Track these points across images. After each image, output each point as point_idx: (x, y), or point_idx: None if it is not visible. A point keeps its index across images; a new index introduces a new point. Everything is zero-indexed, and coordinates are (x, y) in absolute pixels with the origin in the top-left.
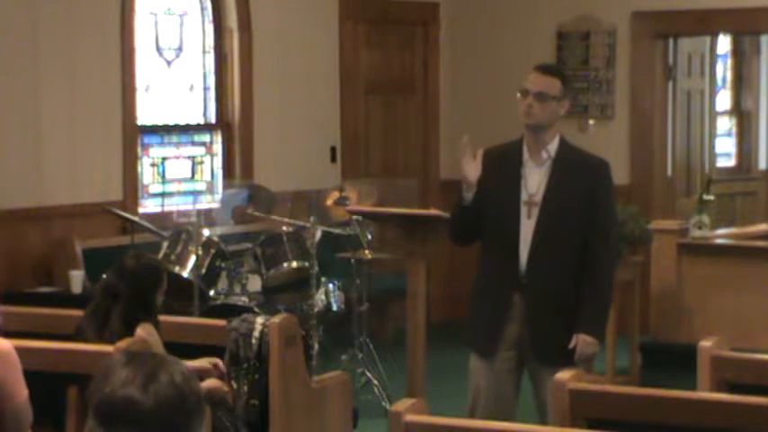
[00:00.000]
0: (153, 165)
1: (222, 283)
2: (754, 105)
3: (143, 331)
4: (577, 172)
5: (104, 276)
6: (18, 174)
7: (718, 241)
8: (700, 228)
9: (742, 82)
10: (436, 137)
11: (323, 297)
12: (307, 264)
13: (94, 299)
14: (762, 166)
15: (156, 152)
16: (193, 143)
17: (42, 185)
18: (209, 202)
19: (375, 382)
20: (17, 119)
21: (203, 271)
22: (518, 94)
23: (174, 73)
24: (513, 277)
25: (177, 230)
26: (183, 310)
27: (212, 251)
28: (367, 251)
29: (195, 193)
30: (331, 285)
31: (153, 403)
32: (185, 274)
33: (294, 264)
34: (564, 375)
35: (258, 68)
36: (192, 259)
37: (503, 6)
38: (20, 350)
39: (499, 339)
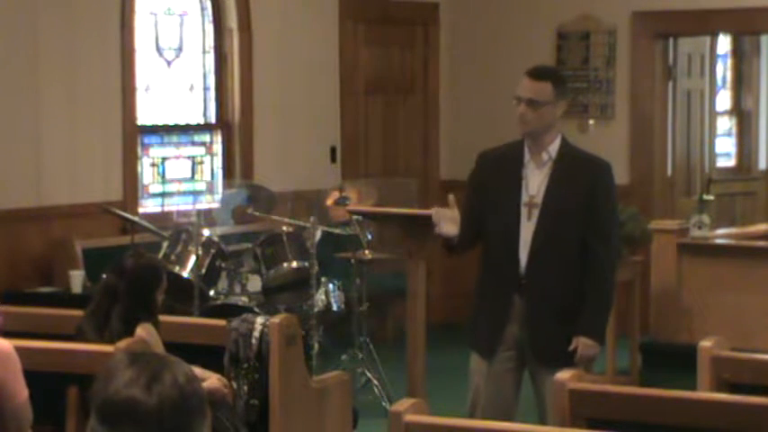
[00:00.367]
0: (153, 165)
1: (222, 283)
2: (754, 105)
3: (143, 331)
4: (578, 173)
5: (104, 276)
6: (18, 174)
7: (719, 241)
8: (700, 228)
9: (742, 82)
10: (436, 137)
11: (323, 297)
12: (307, 264)
13: (94, 299)
14: (762, 166)
15: (156, 152)
16: (193, 143)
17: (42, 186)
18: (209, 202)
19: (375, 382)
20: (17, 119)
21: (203, 271)
22: (513, 101)
23: (174, 73)
24: (514, 278)
25: (177, 230)
26: (183, 310)
27: (212, 251)
28: (367, 251)
29: (195, 193)
30: (331, 285)
31: (156, 404)
32: (185, 274)
33: (294, 264)
34: (564, 375)
35: (258, 68)
36: (192, 259)
37: (503, 6)
38: (20, 350)
39: (499, 340)
